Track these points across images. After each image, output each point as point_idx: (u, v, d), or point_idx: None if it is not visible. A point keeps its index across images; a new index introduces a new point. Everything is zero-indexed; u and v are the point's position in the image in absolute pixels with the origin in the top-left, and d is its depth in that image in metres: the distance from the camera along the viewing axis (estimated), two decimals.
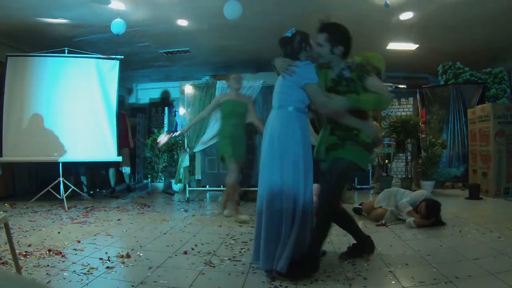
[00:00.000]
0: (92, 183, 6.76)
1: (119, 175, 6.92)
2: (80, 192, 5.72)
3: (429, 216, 3.71)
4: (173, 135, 5.36)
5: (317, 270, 2.47)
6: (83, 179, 6.34)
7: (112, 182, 6.63)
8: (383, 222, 3.91)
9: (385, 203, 4.14)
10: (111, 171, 6.59)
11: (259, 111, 5.48)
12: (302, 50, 2.59)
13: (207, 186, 6.18)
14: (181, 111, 6.46)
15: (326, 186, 2.59)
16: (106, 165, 6.40)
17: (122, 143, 6.29)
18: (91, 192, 6.26)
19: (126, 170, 6.88)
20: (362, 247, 2.82)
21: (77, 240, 3.29)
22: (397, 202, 4.08)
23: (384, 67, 2.68)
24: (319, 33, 2.58)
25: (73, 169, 6.16)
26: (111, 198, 6.02)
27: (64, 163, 5.44)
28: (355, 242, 2.87)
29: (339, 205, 2.82)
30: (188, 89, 6.13)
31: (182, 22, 5.54)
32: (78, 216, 4.47)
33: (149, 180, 7.49)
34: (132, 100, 9.99)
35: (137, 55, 7.11)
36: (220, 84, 5.83)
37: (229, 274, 2.50)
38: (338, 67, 2.63)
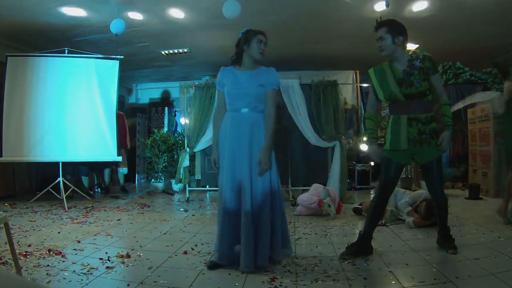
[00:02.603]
0: (91, 183, 6.76)
1: (114, 175, 6.93)
2: (81, 192, 5.72)
3: (429, 216, 3.71)
4: None
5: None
6: (84, 179, 6.33)
7: (107, 181, 6.63)
8: (383, 222, 3.91)
9: None
10: (106, 171, 6.60)
11: None
12: (244, 50, 2.67)
13: (207, 186, 6.17)
14: (181, 111, 6.42)
15: (439, 179, 3.00)
16: (105, 165, 6.39)
17: (119, 143, 6.29)
18: (91, 192, 6.25)
19: (124, 170, 6.88)
20: (361, 247, 2.83)
21: (77, 240, 3.30)
22: (397, 202, 4.08)
23: None
24: (378, 30, 2.68)
25: (74, 169, 6.16)
26: (111, 198, 6.02)
27: (64, 163, 5.44)
28: (353, 242, 2.89)
29: (387, 197, 2.94)
30: (188, 89, 6.11)
31: (182, 22, 5.54)
32: (78, 216, 4.47)
33: (148, 178, 7.49)
34: (132, 100, 9.99)
35: (137, 55, 7.11)
36: None
37: (229, 274, 2.49)
38: (404, 59, 2.71)
